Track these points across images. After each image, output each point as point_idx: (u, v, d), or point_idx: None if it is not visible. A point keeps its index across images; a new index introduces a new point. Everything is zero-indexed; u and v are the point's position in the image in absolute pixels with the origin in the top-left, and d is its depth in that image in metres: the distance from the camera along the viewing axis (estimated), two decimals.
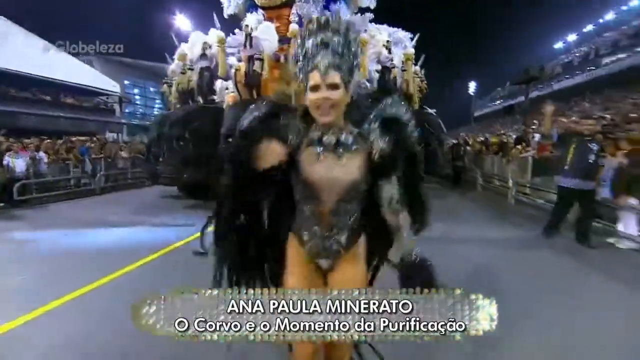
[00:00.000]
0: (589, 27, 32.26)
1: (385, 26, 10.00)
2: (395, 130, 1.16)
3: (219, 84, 8.98)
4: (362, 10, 10.06)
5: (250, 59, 7.62)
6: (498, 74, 41.00)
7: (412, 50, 9.81)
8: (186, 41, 9.38)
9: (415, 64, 10.32)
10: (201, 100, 8.58)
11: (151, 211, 7.25)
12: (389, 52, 8.92)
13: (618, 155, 4.74)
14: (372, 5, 10.00)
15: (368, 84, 8.49)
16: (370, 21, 9.89)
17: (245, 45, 7.68)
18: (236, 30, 10.08)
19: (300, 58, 1.13)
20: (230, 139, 1.24)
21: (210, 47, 8.46)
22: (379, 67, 8.80)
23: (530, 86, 19.22)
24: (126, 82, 32.22)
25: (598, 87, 24.61)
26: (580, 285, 3.43)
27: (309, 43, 1.10)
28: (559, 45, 37.09)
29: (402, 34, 10.25)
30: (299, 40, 1.14)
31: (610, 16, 29.61)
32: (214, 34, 8.48)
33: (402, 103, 1.22)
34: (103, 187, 9.57)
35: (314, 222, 1.20)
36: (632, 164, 4.48)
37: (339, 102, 1.09)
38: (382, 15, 10.29)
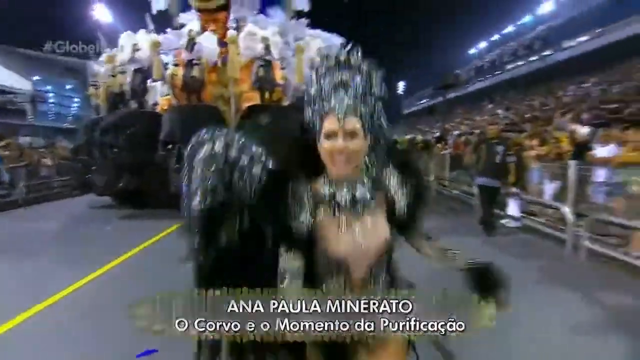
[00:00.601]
0: (496, 37, 36.94)
1: (319, 31, 10.39)
2: (409, 173, 1.05)
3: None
4: (299, 15, 10.45)
5: (189, 63, 7.53)
6: (423, 75, 44.89)
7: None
8: (115, 41, 8.90)
9: None
10: (134, 104, 8.25)
11: (84, 223, 6.90)
12: None
13: None
14: (306, 8, 10.36)
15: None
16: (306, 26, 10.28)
17: (186, 48, 7.56)
18: (168, 30, 9.80)
19: (313, 99, 0.99)
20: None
21: (140, 49, 8.14)
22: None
23: (448, 91, 21.80)
24: (36, 78, 28.59)
25: (503, 90, 28.49)
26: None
27: (325, 82, 0.97)
28: (473, 51, 41.84)
29: (336, 40, 10.75)
30: (313, 77, 1.01)
31: (510, 29, 34.28)
32: (147, 38, 8.19)
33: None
34: (26, 199, 8.69)
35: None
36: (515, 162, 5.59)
37: (358, 152, 0.95)
38: (317, 19, 10.64)
